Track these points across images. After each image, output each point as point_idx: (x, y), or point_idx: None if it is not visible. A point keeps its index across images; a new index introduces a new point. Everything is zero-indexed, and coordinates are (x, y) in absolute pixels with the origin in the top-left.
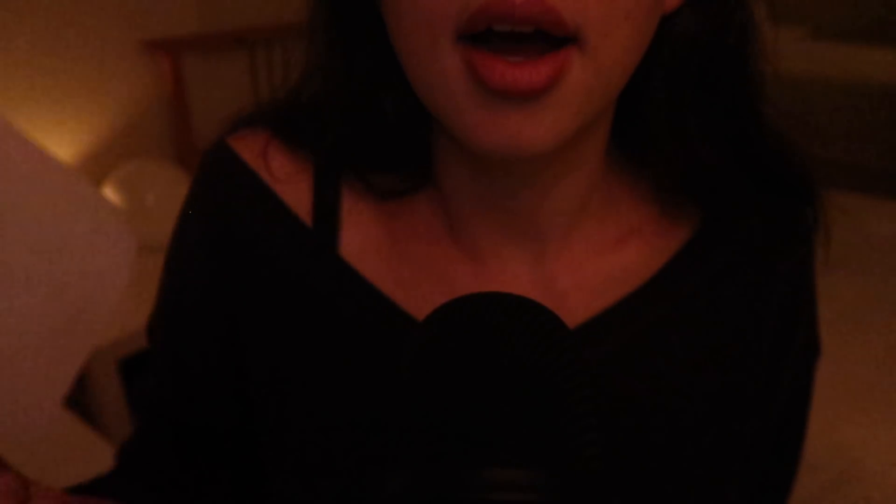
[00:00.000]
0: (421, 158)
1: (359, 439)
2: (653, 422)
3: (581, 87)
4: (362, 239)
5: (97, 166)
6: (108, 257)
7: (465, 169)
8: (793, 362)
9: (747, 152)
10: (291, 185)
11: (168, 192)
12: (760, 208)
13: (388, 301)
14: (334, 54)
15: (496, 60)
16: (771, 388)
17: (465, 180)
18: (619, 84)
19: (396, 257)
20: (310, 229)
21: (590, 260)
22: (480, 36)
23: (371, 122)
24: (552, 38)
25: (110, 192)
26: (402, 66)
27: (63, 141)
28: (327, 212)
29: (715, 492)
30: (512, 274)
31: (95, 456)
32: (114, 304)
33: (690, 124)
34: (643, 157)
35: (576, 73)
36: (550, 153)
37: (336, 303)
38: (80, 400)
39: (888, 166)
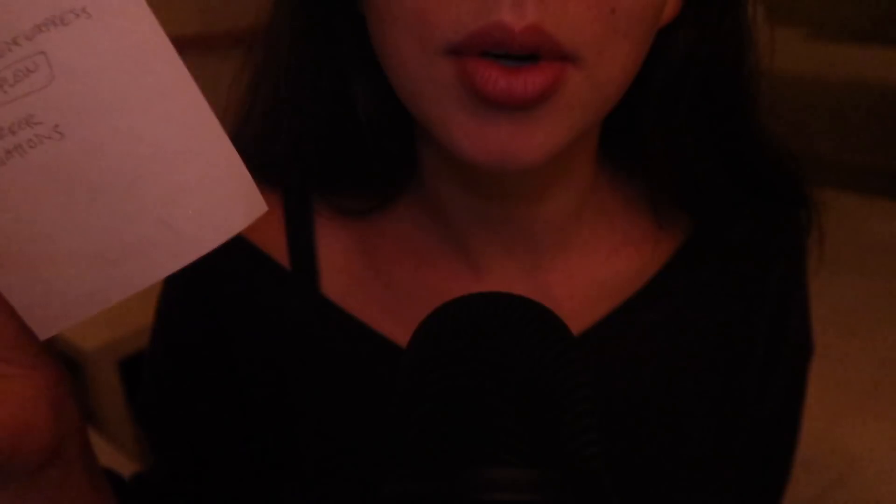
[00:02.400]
0: (397, 168)
1: (358, 470)
2: (649, 427)
3: (576, 102)
4: (343, 273)
5: None
6: (218, 206)
7: (455, 179)
8: (785, 362)
9: (740, 161)
10: (265, 229)
11: None
12: (751, 213)
13: (376, 335)
14: (305, 58)
15: (491, 67)
16: (765, 388)
17: (456, 190)
18: (614, 100)
19: (381, 286)
20: (289, 272)
21: (583, 270)
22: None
23: (342, 133)
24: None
25: None
26: (381, 72)
27: None
28: (303, 251)
29: (712, 492)
30: (505, 285)
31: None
32: (204, 250)
33: (684, 136)
34: (635, 167)
35: (572, 87)
36: (541, 167)
37: (325, 342)
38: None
39: (888, 166)
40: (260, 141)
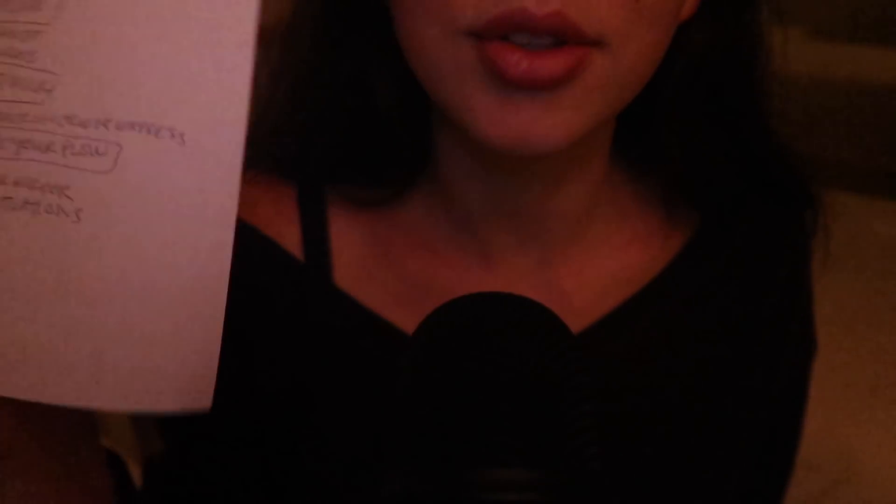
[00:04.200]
0: (412, 159)
1: (371, 460)
2: (654, 423)
3: (598, 86)
4: (356, 264)
5: None
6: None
7: (470, 169)
8: (789, 361)
9: (751, 159)
10: (279, 221)
11: None
12: (759, 212)
13: (388, 325)
14: (326, 48)
15: (513, 50)
16: (768, 386)
17: (470, 181)
18: (636, 90)
19: (394, 276)
20: (302, 264)
21: (594, 264)
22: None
23: (359, 123)
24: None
25: None
26: (401, 60)
27: None
28: (317, 242)
29: (714, 491)
30: (516, 277)
31: None
32: (106, 406)
33: (698, 133)
34: (646, 162)
35: (595, 71)
36: (559, 153)
37: (338, 333)
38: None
39: (888, 166)
40: (277, 134)
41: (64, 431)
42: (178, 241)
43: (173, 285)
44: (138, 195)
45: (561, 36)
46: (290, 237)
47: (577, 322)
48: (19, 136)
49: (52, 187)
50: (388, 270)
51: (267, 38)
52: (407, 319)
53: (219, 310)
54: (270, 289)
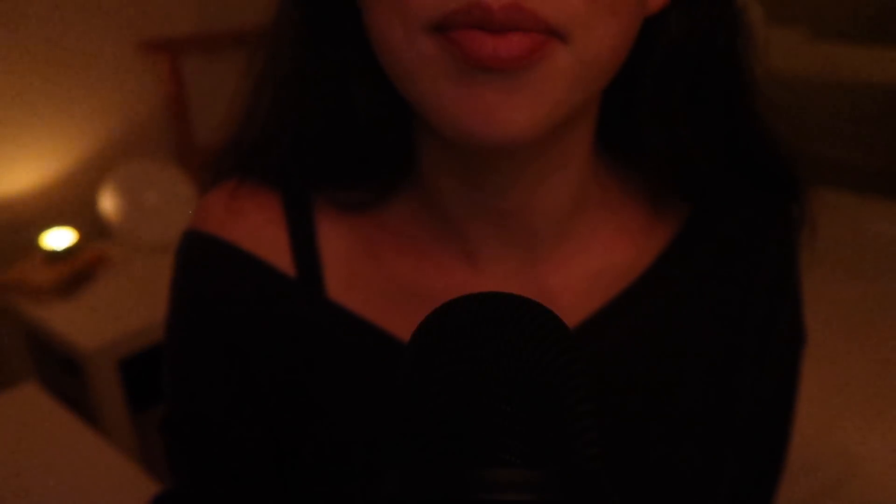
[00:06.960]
0: (395, 162)
1: (370, 467)
2: (645, 420)
3: (563, 76)
4: (346, 269)
5: (97, 166)
6: None
7: (452, 170)
8: (778, 352)
9: (737, 150)
10: (266, 237)
11: (168, 192)
12: (745, 204)
13: (382, 333)
14: (307, 54)
15: (475, 33)
16: (757, 379)
17: (453, 182)
18: (602, 81)
19: (382, 279)
20: (293, 280)
21: (580, 262)
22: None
23: (341, 127)
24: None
25: (110, 193)
26: (377, 63)
27: (63, 141)
28: (306, 255)
29: (707, 486)
30: (502, 277)
31: (94, 455)
32: None
33: (681, 126)
34: (631, 157)
35: (559, 61)
36: (529, 145)
37: (333, 344)
38: (79, 400)
39: (888, 166)
40: (261, 144)
41: None
42: None
43: None
44: None
45: (519, 27)
46: (278, 246)
47: (564, 321)
48: None
49: None
50: (377, 273)
51: (251, 44)
52: (396, 322)
53: None
54: (263, 308)
